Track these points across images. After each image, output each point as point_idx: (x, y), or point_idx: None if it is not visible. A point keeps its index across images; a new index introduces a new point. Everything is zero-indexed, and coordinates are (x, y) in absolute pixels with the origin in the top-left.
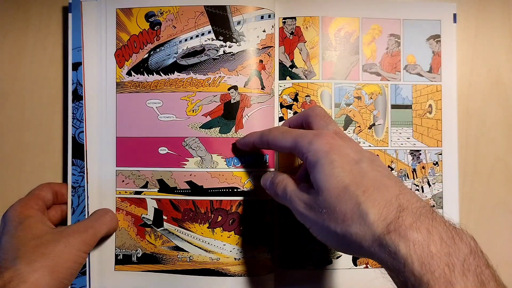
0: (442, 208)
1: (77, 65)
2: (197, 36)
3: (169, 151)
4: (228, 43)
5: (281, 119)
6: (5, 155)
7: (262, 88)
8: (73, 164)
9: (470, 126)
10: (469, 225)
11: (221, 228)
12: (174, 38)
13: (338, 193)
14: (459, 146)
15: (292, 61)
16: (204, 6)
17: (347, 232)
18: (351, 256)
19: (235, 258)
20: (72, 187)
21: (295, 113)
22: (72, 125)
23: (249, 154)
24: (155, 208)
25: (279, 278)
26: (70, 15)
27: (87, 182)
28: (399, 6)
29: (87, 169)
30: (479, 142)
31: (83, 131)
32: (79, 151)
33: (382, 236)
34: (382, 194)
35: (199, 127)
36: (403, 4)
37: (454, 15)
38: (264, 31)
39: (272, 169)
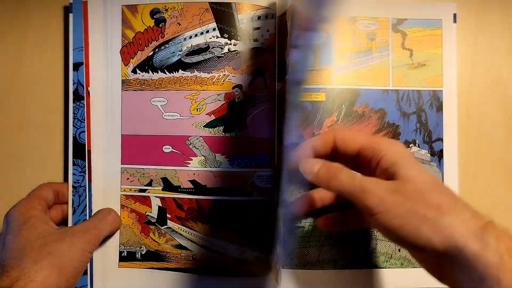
0: None
1: (78, 65)
2: (201, 33)
3: (173, 150)
4: (233, 41)
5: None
6: (5, 155)
7: (265, 88)
8: (74, 164)
9: (470, 126)
10: None
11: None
12: (179, 36)
13: (431, 185)
14: (459, 146)
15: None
16: (209, 2)
17: (440, 220)
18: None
19: (237, 258)
20: (73, 187)
21: None
22: (73, 125)
23: (252, 154)
24: (159, 206)
25: (279, 278)
26: (71, 15)
27: (89, 181)
28: (398, 5)
29: (90, 167)
30: (479, 142)
31: (84, 131)
32: (80, 151)
33: (479, 230)
34: (465, 202)
35: (203, 126)
36: (403, 3)
37: (454, 15)
38: (267, 30)
39: (268, 169)
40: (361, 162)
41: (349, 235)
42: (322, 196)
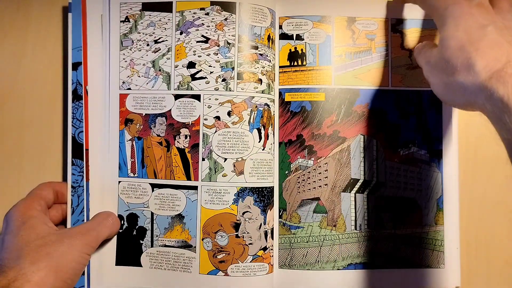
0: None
1: (77, 65)
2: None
3: None
4: None
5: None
6: (5, 155)
7: None
8: (73, 164)
9: (469, 126)
10: (469, 225)
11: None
12: None
13: (453, 51)
14: (459, 146)
15: None
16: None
17: (455, 80)
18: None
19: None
20: (72, 186)
21: None
22: (72, 125)
23: None
24: None
25: (279, 278)
26: (70, 14)
27: (87, 180)
28: (398, 6)
29: (87, 167)
30: (478, 142)
31: (82, 131)
32: (79, 150)
33: (484, 82)
34: (495, 52)
35: None
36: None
37: None
38: None
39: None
40: None
41: (348, 235)
42: None
